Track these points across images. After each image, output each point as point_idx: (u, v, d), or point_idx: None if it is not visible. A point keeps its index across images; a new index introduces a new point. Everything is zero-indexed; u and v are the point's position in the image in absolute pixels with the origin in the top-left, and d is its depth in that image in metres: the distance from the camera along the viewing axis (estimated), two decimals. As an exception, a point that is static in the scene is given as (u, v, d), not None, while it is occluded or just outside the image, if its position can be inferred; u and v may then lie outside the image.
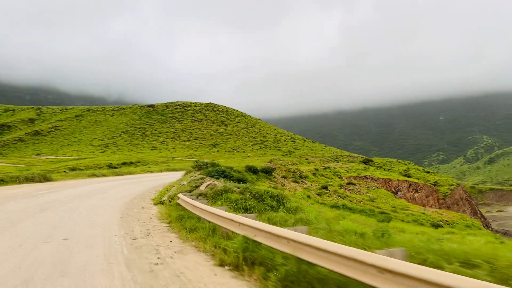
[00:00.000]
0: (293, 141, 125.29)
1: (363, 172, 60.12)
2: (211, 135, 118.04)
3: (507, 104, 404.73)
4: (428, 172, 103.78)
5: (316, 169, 52.61)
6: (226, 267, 6.44)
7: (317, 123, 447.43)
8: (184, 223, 10.04)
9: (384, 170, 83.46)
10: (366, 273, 4.11)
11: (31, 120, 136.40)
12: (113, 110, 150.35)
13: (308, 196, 30.39)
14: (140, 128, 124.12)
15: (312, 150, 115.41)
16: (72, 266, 6.45)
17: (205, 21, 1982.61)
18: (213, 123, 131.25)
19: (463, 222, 36.66)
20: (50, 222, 10.70)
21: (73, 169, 46.87)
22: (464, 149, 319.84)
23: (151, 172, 45.39)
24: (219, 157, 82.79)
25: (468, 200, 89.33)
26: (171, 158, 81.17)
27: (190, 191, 14.12)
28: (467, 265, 4.54)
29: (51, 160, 74.56)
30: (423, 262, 4.64)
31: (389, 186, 58.95)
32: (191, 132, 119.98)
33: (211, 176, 17.05)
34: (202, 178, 15.55)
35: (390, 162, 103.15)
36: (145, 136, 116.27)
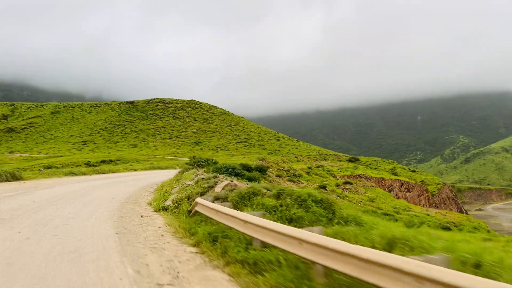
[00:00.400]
0: (278, 140, 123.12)
1: (355, 171, 58.22)
2: (193, 132, 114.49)
3: (482, 105, 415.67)
4: (413, 171, 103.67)
5: (309, 168, 50.23)
6: None
7: (296, 122, 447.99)
8: (222, 247, 6.86)
9: (371, 169, 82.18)
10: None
11: (4, 117, 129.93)
12: (91, 107, 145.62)
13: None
14: (120, 125, 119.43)
15: (297, 148, 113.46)
16: None
17: (185, 18, 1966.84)
18: (196, 120, 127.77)
19: (470, 224, 34.97)
20: (3, 252, 6.52)
21: (49, 167, 43.06)
22: (441, 149, 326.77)
23: (135, 170, 42.36)
24: (202, 156, 79.47)
25: (454, 199, 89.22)
26: (152, 156, 77.48)
27: (202, 193, 11.23)
28: None
29: (25, 158, 70.06)
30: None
31: (383, 185, 57.19)
32: (172, 130, 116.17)
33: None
34: (215, 177, 12.49)
35: (375, 161, 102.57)
36: (125, 133, 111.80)
